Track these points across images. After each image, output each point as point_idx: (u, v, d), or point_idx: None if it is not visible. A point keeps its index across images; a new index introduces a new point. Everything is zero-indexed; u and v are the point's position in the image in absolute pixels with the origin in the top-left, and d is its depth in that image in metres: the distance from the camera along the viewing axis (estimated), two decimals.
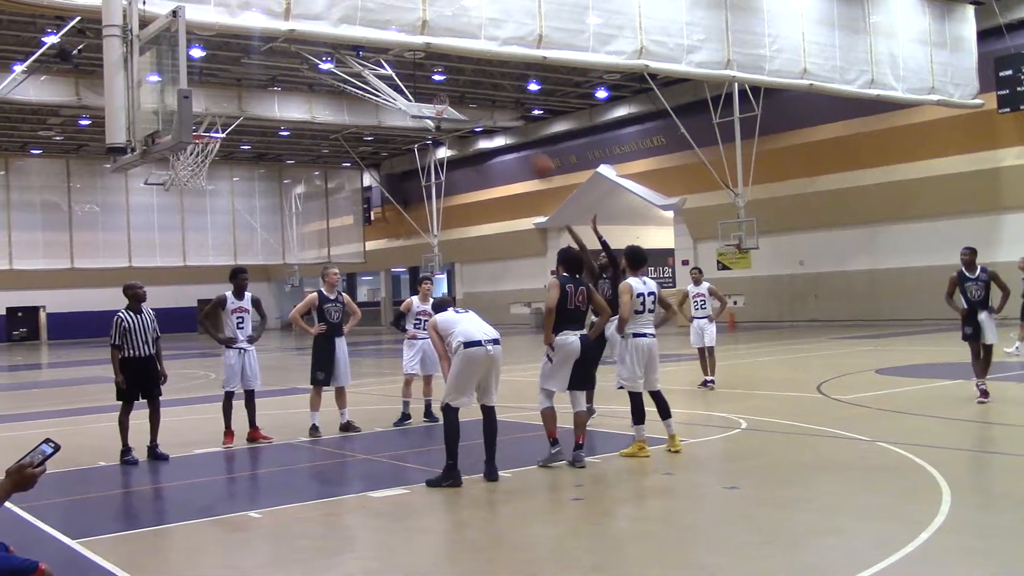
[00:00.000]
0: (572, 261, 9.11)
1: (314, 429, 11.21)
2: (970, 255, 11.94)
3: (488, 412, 8.26)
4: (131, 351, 9.91)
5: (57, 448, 3.78)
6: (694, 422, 11.02)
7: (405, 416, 12.06)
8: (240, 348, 10.86)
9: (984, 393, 11.65)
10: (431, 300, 12.21)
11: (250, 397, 10.97)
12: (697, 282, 15.05)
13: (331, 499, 7.91)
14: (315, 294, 11.46)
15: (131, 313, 9.96)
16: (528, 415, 11.61)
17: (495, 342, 8.14)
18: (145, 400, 10.09)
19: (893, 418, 10.99)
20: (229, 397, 10.88)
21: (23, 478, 3.68)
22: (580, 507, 7.29)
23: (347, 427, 11.43)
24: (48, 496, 7.87)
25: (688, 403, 12.85)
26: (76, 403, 16.95)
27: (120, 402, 10.04)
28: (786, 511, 6.84)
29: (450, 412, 8.10)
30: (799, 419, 10.81)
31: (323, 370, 11.26)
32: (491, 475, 8.11)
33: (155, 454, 10.00)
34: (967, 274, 11.92)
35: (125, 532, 6.91)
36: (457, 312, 8.47)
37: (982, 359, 11.85)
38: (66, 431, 12.59)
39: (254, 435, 10.92)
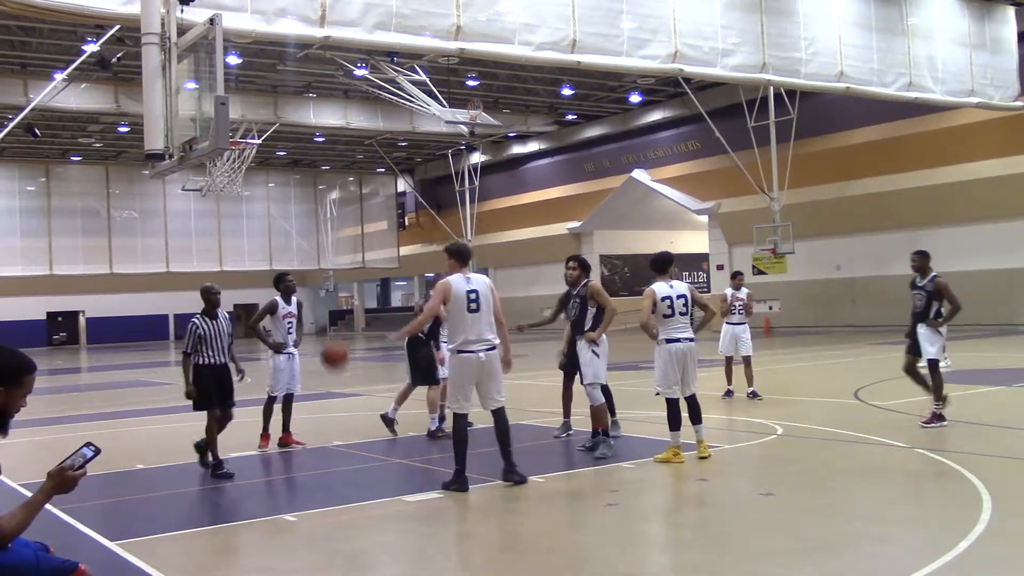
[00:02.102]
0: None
1: (440, 430, 11.16)
2: (918, 260, 10.73)
3: (495, 414, 8.20)
4: (206, 358, 9.32)
5: (97, 452, 3.83)
6: (730, 428, 10.95)
7: (443, 419, 12.05)
8: (289, 353, 10.89)
9: (935, 417, 10.35)
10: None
11: (289, 401, 11.00)
12: (738, 287, 14.52)
13: (366, 503, 7.93)
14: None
15: (207, 319, 9.41)
16: (554, 421, 11.58)
17: (490, 348, 8.07)
18: (218, 410, 9.44)
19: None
20: (272, 401, 10.87)
21: (64, 481, 3.73)
22: (615, 513, 7.26)
23: (387, 423, 11.47)
24: (88, 498, 7.96)
25: (724, 409, 12.77)
26: (116, 407, 17.16)
27: (203, 411, 9.38)
28: (823, 518, 6.77)
29: (457, 418, 8.11)
30: (836, 425, 10.70)
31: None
32: (508, 476, 8.07)
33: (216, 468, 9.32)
34: (916, 282, 10.78)
35: (163, 534, 6.97)
36: (469, 294, 8.01)
37: (921, 377, 10.66)
38: (106, 434, 12.74)
39: (286, 439, 10.93)
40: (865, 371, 17.74)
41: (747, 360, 14.06)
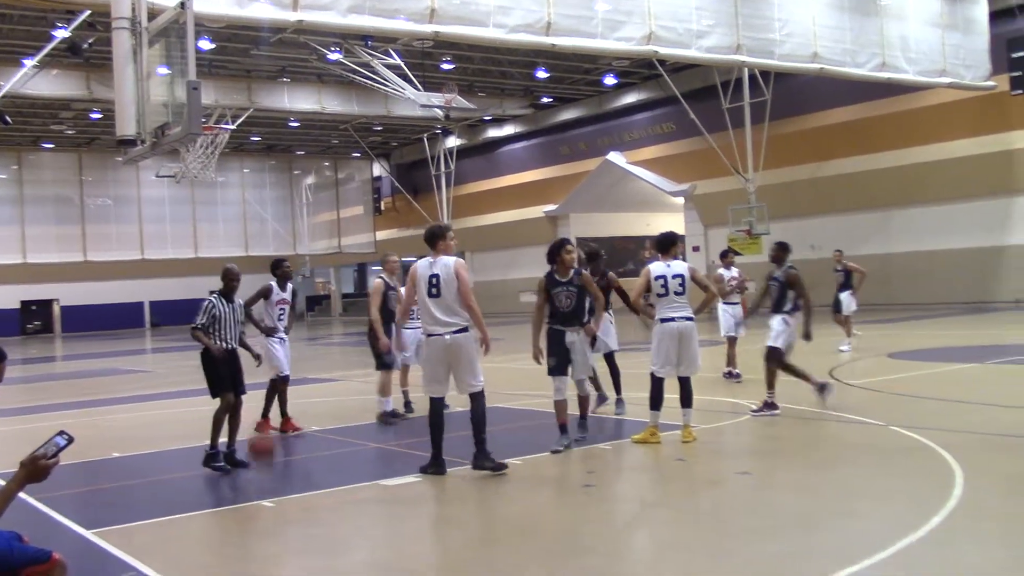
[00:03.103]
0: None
1: (393, 414, 11.22)
2: (776, 251, 10.95)
3: (471, 399, 8.08)
4: (218, 342, 8.76)
5: (71, 440, 3.80)
6: (706, 408, 11.00)
7: (407, 404, 11.97)
8: (280, 338, 10.81)
9: (767, 406, 10.38)
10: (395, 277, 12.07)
11: (274, 387, 10.88)
12: (729, 266, 14.25)
13: (343, 487, 7.92)
14: (380, 282, 11.25)
15: (223, 300, 8.89)
16: (538, 403, 11.62)
17: (458, 331, 7.92)
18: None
19: (905, 402, 10.97)
20: (285, 381, 10.77)
21: (37, 469, 3.70)
22: (593, 494, 7.30)
23: (393, 415, 11.34)
24: (62, 487, 7.92)
25: (700, 389, 12.80)
26: (90, 395, 17.04)
27: (216, 399, 8.81)
28: (799, 495, 6.84)
29: (431, 402, 8.07)
30: (811, 404, 10.78)
31: (391, 353, 11.13)
32: (478, 463, 7.93)
33: (234, 460, 8.80)
34: (773, 273, 10.90)
35: (139, 522, 6.94)
36: (431, 279, 7.95)
37: (790, 365, 10.58)
38: (80, 423, 12.67)
39: (262, 426, 10.85)
40: (839, 350, 17.86)
41: (733, 340, 13.92)
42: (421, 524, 6.76)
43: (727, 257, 14.58)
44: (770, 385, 10.45)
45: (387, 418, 11.12)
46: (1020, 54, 28.46)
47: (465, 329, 7.97)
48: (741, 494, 7.05)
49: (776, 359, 10.46)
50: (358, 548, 6.13)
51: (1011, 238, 29.56)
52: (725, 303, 14.04)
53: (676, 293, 8.95)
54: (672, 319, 8.94)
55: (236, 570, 5.83)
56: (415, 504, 7.25)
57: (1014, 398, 10.98)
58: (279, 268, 10.91)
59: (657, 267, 9.03)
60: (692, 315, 9.05)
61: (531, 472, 8.08)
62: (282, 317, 10.86)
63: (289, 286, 10.94)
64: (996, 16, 27.07)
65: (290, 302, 10.97)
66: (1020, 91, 28.49)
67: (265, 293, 10.75)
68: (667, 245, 9.20)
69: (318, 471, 9.05)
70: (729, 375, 13.70)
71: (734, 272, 14.21)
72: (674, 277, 8.95)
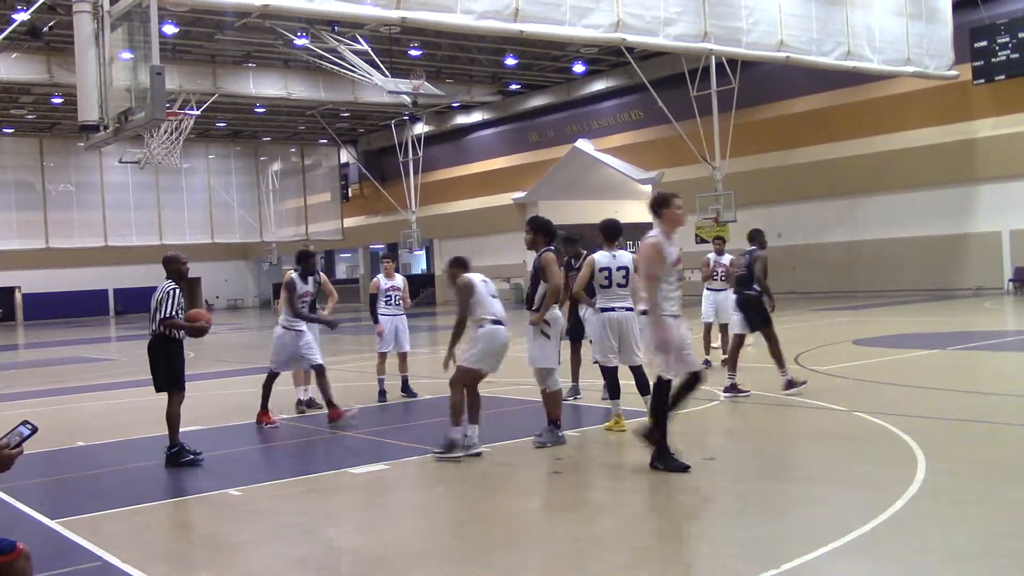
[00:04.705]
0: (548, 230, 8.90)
1: (311, 403, 11.29)
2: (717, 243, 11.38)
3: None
4: (179, 333, 8.40)
5: (34, 430, 3.76)
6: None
7: (381, 392, 11.98)
8: (299, 330, 10.39)
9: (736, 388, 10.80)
10: (396, 277, 12.19)
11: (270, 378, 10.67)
12: (720, 252, 14.06)
13: (311, 476, 7.91)
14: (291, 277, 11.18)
15: (178, 291, 8.44)
16: (505, 390, 11.63)
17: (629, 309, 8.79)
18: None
19: (869, 388, 11.09)
20: (273, 377, 10.53)
21: (0, 459, 3.66)
22: (560, 481, 7.33)
23: (310, 404, 11.35)
24: (26, 477, 7.83)
25: None
26: (54, 384, 16.85)
27: (165, 394, 8.51)
28: (764, 481, 6.90)
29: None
30: (777, 390, 10.87)
31: None
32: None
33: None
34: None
35: (105, 512, 6.88)
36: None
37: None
38: (44, 412, 12.53)
39: (262, 417, 10.64)
40: (805, 336, 18.04)
41: (726, 328, 13.56)
42: (389, 511, 6.76)
43: (717, 243, 14.44)
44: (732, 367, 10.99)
45: (302, 407, 11.31)
46: (982, 44, 28.85)
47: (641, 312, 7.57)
48: (707, 480, 7.09)
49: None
50: (326, 535, 6.12)
51: (973, 226, 29.99)
52: (709, 289, 14.01)
53: (619, 285, 8.90)
54: (612, 309, 8.86)
55: (205, 558, 5.79)
56: (383, 492, 7.24)
57: (975, 384, 11.17)
58: (305, 261, 10.53)
59: (602, 258, 8.93)
60: (632, 306, 8.88)
61: (499, 459, 8.09)
62: (302, 310, 10.51)
63: (312, 279, 10.58)
64: (959, 6, 27.37)
65: (313, 294, 10.63)
66: (982, 80, 28.89)
67: (290, 289, 10.36)
68: (613, 234, 9.05)
69: (285, 459, 9.03)
70: (708, 363, 13.65)
71: (723, 259, 13.98)
72: (619, 269, 8.89)
